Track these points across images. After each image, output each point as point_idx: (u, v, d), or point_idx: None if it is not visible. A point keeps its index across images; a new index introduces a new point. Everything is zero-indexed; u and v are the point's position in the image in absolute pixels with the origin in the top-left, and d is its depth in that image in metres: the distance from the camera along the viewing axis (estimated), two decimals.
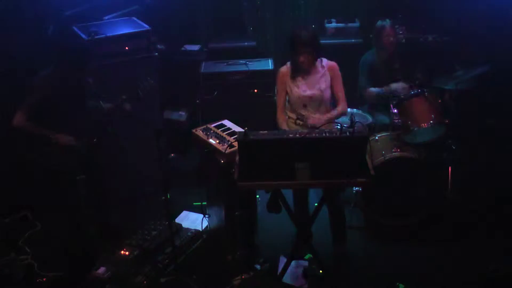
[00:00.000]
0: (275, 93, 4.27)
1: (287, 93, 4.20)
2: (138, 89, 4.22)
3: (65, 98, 3.91)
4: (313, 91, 4.11)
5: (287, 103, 4.27)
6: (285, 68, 4.21)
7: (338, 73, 4.18)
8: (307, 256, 4.27)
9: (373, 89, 4.94)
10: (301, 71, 4.12)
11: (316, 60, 4.12)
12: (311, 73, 4.14)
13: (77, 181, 4.13)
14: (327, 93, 4.15)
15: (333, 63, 4.19)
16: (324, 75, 4.15)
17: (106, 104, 4.09)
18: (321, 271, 4.08)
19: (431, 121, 4.46)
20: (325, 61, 4.18)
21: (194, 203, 4.92)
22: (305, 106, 4.12)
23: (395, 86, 4.80)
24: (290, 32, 4.12)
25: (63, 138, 4.02)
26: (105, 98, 4.13)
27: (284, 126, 4.20)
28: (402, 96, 4.58)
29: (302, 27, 4.17)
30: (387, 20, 4.93)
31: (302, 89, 4.12)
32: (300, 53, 4.00)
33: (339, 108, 4.18)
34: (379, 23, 4.95)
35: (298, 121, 4.13)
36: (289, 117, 4.24)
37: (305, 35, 3.97)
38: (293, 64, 4.14)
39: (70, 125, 3.96)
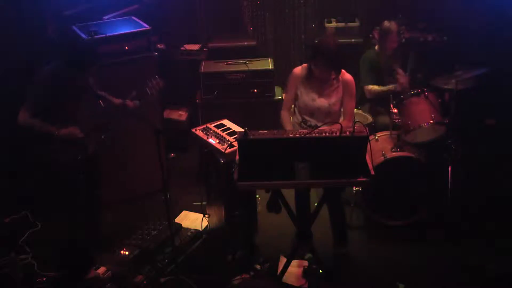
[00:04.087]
0: (285, 90, 4.18)
1: (296, 94, 4.12)
2: (146, 87, 4.20)
3: (67, 97, 3.90)
4: (322, 103, 4.04)
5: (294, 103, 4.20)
6: (299, 69, 4.11)
7: (352, 88, 4.06)
8: (307, 256, 4.26)
9: (376, 88, 4.93)
10: (315, 78, 4.02)
11: (333, 75, 3.99)
12: (324, 83, 4.04)
13: (80, 180, 4.11)
14: (336, 107, 4.06)
15: (349, 78, 4.05)
16: (337, 88, 4.05)
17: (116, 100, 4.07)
18: (321, 271, 4.08)
19: (431, 121, 4.46)
20: (342, 73, 4.04)
21: (194, 203, 4.91)
22: (312, 114, 4.08)
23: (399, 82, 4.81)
24: (316, 40, 3.93)
25: (67, 131, 3.91)
26: (114, 94, 4.13)
27: (287, 125, 4.16)
28: (402, 96, 4.58)
29: (330, 39, 4.00)
30: (394, 23, 4.90)
31: (312, 98, 4.05)
32: (318, 65, 3.89)
33: (343, 124, 4.04)
34: (386, 25, 4.91)
35: (302, 124, 4.12)
36: (294, 116, 4.20)
37: (328, 50, 3.83)
38: (309, 70, 4.03)
39: (72, 124, 3.93)
